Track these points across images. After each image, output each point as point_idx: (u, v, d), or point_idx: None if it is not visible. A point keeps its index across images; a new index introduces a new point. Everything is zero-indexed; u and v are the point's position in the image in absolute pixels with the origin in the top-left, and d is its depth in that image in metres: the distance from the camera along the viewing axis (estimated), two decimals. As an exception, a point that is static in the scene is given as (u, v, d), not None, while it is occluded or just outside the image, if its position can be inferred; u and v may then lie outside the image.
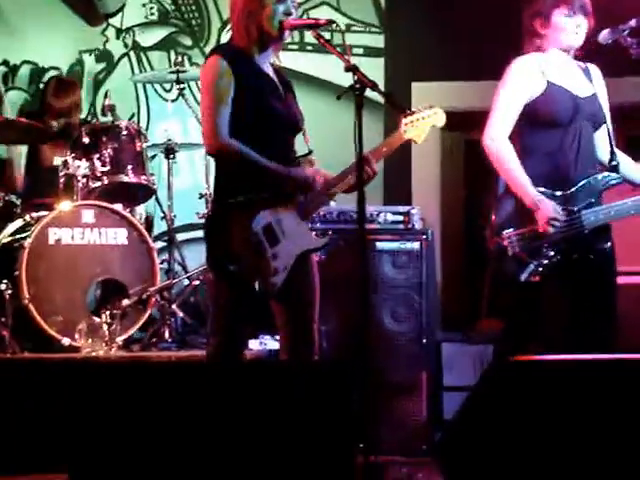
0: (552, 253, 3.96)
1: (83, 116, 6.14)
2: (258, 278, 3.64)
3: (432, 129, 3.84)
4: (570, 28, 4.03)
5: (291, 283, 3.68)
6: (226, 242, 3.65)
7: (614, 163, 4.09)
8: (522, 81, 4.03)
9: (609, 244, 4.06)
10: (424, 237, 5.03)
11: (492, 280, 4.16)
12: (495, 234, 4.01)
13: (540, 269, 3.95)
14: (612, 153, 4.11)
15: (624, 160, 4.18)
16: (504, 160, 3.99)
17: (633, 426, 2.83)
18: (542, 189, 3.98)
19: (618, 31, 3.98)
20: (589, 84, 4.12)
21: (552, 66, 4.07)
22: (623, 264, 4.86)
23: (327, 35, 3.75)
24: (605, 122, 4.12)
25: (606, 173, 4.05)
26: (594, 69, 4.17)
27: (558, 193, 3.99)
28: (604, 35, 4.01)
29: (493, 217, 4.04)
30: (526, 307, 4.02)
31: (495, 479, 2.86)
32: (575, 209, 3.99)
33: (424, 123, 3.78)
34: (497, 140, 4.00)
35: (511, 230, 3.99)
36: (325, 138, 5.79)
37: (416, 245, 5.00)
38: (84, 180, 5.40)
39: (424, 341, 4.95)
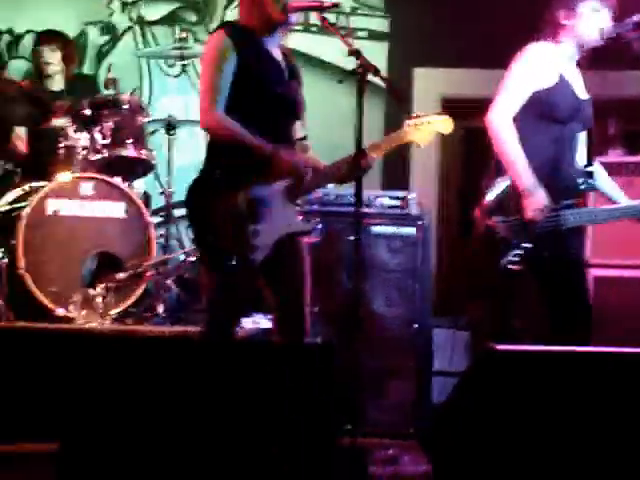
0: (529, 245, 3.98)
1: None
2: (236, 252, 3.65)
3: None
4: (594, 22, 4.03)
5: (277, 265, 3.69)
6: (205, 215, 3.65)
7: (590, 169, 4.12)
8: (536, 68, 4.02)
9: (581, 245, 4.11)
10: (420, 222, 5.05)
11: (470, 263, 4.19)
12: (485, 217, 4.03)
13: (517, 259, 3.97)
14: (589, 160, 4.14)
15: (599, 170, 4.21)
16: (505, 140, 3.98)
17: (611, 417, 2.86)
18: None
19: (622, 26, 4.00)
20: (584, 88, 4.14)
21: (564, 61, 4.07)
22: (607, 257, 4.92)
23: (332, 17, 3.74)
24: (591, 127, 4.15)
25: (585, 178, 4.08)
26: (580, 74, 4.19)
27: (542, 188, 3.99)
28: (608, 29, 4.03)
29: (485, 200, 4.06)
30: (503, 294, 4.04)
31: (479, 466, 2.90)
32: (557, 207, 4.01)
33: (429, 128, 3.75)
34: (502, 118, 3.99)
35: (500, 216, 4.00)
36: (325, 120, 5.81)
37: (412, 230, 5.02)
38: (84, 152, 5.39)
39: (415, 326, 4.98)
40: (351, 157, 3.58)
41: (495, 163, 4.09)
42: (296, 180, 3.69)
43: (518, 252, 3.97)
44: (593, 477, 2.86)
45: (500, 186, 4.05)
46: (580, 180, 4.06)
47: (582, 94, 4.11)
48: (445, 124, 3.78)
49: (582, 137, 4.15)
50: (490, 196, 4.05)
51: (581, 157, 4.17)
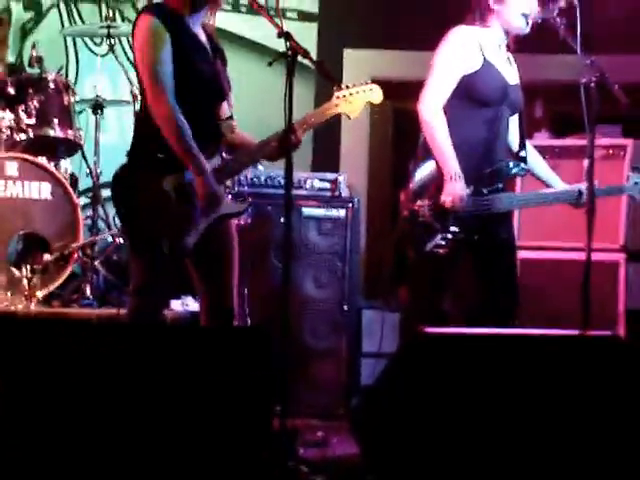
0: (456, 229, 4.01)
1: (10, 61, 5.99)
2: (166, 238, 3.62)
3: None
4: (520, 8, 4.04)
5: (206, 248, 3.67)
6: (133, 200, 3.63)
7: (523, 154, 4.17)
8: (461, 52, 4.03)
9: (509, 230, 4.16)
10: (350, 205, 5.07)
11: (396, 247, 4.21)
12: (410, 200, 4.05)
13: (444, 243, 4.00)
14: (522, 144, 4.18)
15: (533, 154, 4.26)
16: (435, 128, 3.98)
17: (538, 398, 2.91)
18: None
19: (548, 11, 4.03)
20: (514, 72, 4.18)
21: (490, 44, 4.09)
22: (533, 239, 4.99)
23: (261, -2, 3.72)
24: (521, 112, 4.19)
25: (516, 162, 4.13)
26: (513, 60, 4.22)
27: (471, 172, 4.01)
28: (534, 15, 4.06)
29: (410, 184, 4.08)
30: (429, 278, 4.08)
31: (406, 447, 2.92)
32: (485, 191, 4.05)
33: (358, 98, 3.74)
34: (432, 107, 3.99)
35: (425, 199, 4.03)
36: (255, 101, 5.79)
37: (342, 212, 5.04)
38: (8, 132, 5.30)
39: (345, 307, 5.01)
40: (281, 134, 3.57)
41: (421, 146, 4.10)
42: (227, 160, 3.68)
43: (445, 236, 3.99)
44: (520, 458, 2.91)
45: (425, 169, 4.06)
46: (511, 164, 4.10)
47: (511, 78, 4.15)
48: (374, 93, 3.77)
49: (513, 122, 4.19)
50: (415, 180, 4.07)
51: (513, 142, 4.21)
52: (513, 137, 4.21)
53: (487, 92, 4.05)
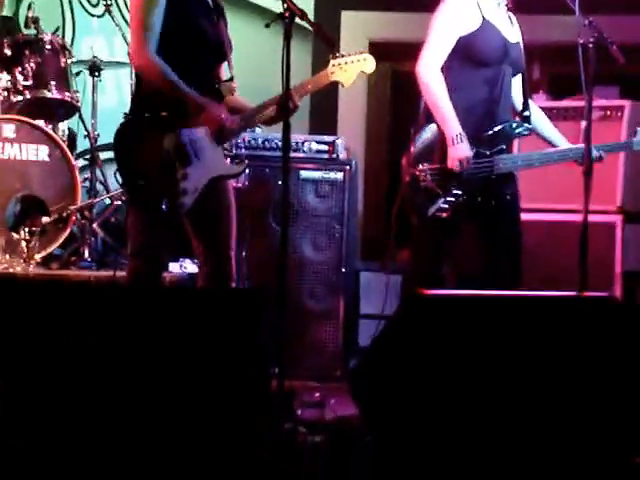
0: (459, 192, 4.01)
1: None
2: (165, 197, 3.63)
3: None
4: None
5: (203, 208, 3.69)
6: (134, 157, 3.64)
7: (526, 114, 4.15)
8: (458, 13, 4.02)
9: (513, 190, 4.14)
10: (348, 167, 5.07)
11: (399, 211, 4.21)
12: (411, 165, 4.05)
13: (446, 206, 4.01)
14: (525, 103, 4.17)
15: (537, 113, 4.24)
16: (434, 90, 3.98)
17: (535, 359, 2.93)
18: None
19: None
20: (515, 31, 4.16)
21: (489, 3, 4.07)
22: (530, 201, 4.99)
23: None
24: (524, 71, 4.17)
25: (520, 122, 4.12)
26: (514, 19, 4.20)
27: (473, 133, 4.01)
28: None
29: (411, 148, 4.07)
30: (430, 242, 4.09)
31: (404, 407, 2.95)
32: (487, 152, 4.05)
33: (353, 67, 3.78)
34: (430, 69, 3.99)
35: (426, 164, 4.03)
36: (252, 63, 5.76)
37: (339, 175, 5.04)
38: (4, 94, 5.29)
39: (343, 269, 5.02)
40: (278, 99, 3.58)
41: (423, 111, 4.09)
42: (220, 130, 3.69)
43: (447, 199, 4.00)
44: (518, 419, 2.93)
45: (426, 133, 4.06)
46: (515, 124, 4.09)
47: (511, 37, 4.12)
48: (368, 63, 3.81)
49: (516, 82, 4.18)
50: (417, 144, 4.06)
51: (517, 101, 4.20)
52: (516, 97, 4.19)
53: (487, 51, 4.03)
